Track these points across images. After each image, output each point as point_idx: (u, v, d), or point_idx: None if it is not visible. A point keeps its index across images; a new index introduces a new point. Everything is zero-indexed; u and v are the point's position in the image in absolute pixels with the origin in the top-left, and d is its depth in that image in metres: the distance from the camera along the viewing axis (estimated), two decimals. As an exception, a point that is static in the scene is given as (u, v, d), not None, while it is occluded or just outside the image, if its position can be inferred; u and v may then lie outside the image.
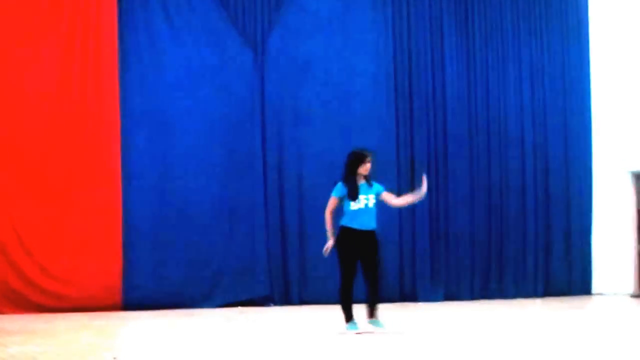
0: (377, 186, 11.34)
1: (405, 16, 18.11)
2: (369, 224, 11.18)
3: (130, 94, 16.27)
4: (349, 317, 11.16)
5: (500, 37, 18.80)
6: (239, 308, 16.06)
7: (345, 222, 11.18)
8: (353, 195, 11.11)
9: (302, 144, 17.21)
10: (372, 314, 11.14)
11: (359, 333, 10.93)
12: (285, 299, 16.94)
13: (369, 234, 11.19)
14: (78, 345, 10.40)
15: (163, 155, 16.48)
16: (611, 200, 19.06)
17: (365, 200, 11.14)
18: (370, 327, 11.07)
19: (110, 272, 15.81)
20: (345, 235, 11.15)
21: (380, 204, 11.41)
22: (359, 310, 11.22)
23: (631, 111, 18.64)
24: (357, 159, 11.23)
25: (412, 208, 17.66)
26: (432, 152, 18.10)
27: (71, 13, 16.03)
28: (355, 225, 11.12)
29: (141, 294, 15.92)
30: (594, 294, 18.88)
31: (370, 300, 11.19)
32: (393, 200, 11.64)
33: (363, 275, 11.17)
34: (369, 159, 11.22)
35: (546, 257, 18.78)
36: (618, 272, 18.78)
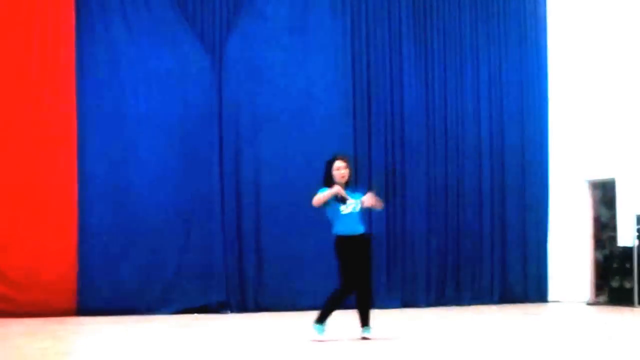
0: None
1: (364, 23, 18.15)
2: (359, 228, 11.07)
3: (87, 97, 16.15)
4: (324, 320, 10.94)
5: (458, 44, 18.87)
6: (195, 315, 15.96)
7: (338, 230, 11.01)
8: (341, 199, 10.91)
9: (260, 150, 17.16)
10: (367, 321, 11.05)
11: (319, 340, 10.78)
12: (242, 306, 16.85)
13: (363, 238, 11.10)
14: (31, 350, 10.30)
15: (119, 159, 16.36)
16: (568, 208, 19.15)
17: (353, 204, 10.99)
18: (365, 334, 10.99)
19: (65, 276, 15.65)
20: (342, 242, 10.99)
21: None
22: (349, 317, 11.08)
23: (588, 120, 18.74)
24: (327, 163, 11.08)
25: (368, 215, 17.70)
26: (390, 159, 18.11)
27: (28, 14, 15.89)
28: (348, 231, 10.98)
29: (96, 299, 15.77)
30: (550, 302, 18.95)
31: (366, 307, 11.08)
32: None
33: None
34: (338, 163, 11.01)
35: (502, 265, 18.86)
36: (574, 280, 18.87)
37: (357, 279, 10.89)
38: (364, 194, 11.23)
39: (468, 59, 18.94)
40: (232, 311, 16.61)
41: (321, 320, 10.91)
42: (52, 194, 15.76)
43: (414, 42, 18.48)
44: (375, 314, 15.81)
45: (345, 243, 10.94)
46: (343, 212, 10.95)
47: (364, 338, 10.95)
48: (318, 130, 17.25)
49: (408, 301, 17.89)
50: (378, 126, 18.06)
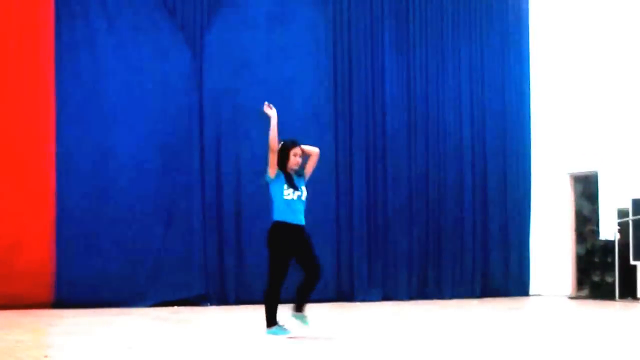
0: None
1: (345, 15, 18.10)
2: (301, 217, 10.63)
3: (66, 87, 15.97)
4: (274, 321, 10.59)
5: (440, 37, 18.86)
6: (174, 307, 15.85)
7: (278, 216, 10.61)
8: (292, 183, 10.56)
9: (240, 142, 17.04)
10: (301, 307, 10.62)
11: (291, 337, 10.56)
12: (222, 298, 16.75)
13: (302, 229, 10.63)
14: (7, 343, 10.16)
15: (99, 150, 16.20)
16: (549, 202, 19.18)
17: (299, 192, 10.63)
18: (295, 322, 10.59)
19: (42, 268, 15.48)
20: (278, 230, 10.61)
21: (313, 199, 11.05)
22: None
23: (570, 113, 18.76)
24: (286, 147, 10.68)
25: (349, 207, 17.66)
26: (371, 151, 18.07)
27: (7, 4, 15.70)
28: (290, 219, 10.56)
29: (74, 291, 15.61)
30: (532, 295, 18.96)
31: (306, 294, 10.62)
32: (309, 161, 10.87)
33: (304, 269, 10.54)
34: (296, 149, 10.65)
35: (484, 258, 18.85)
36: (556, 273, 18.90)
37: (286, 271, 10.50)
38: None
39: (450, 51, 18.92)
40: (211, 304, 16.52)
41: (270, 323, 10.56)
42: (30, 184, 15.59)
43: (395, 32, 18.45)
44: (357, 307, 15.79)
45: (281, 231, 10.56)
46: (285, 198, 10.56)
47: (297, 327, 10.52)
48: (299, 122, 17.09)
49: (389, 294, 17.85)
50: (359, 116, 18.01)
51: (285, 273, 10.56)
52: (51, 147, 15.76)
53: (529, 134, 19.43)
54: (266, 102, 10.85)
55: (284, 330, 10.55)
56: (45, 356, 8.96)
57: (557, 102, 19.08)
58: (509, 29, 19.55)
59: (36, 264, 15.43)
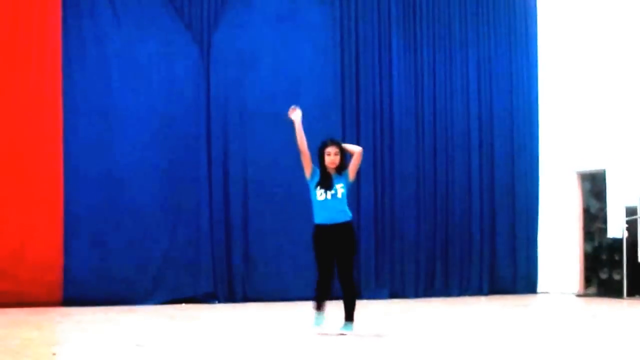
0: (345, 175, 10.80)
1: (353, 13, 18.08)
2: (336, 216, 10.60)
3: (74, 86, 15.97)
4: (319, 306, 10.63)
5: (448, 34, 18.83)
6: (182, 305, 15.87)
7: (315, 218, 10.65)
8: (325, 183, 10.59)
9: (248, 140, 17.05)
10: (349, 316, 10.63)
11: (321, 333, 10.53)
12: (229, 296, 16.76)
13: (339, 227, 10.61)
14: (16, 340, 10.18)
15: (106, 150, 16.20)
16: (558, 200, 19.15)
17: (333, 191, 10.62)
18: (343, 331, 10.54)
19: (50, 267, 15.49)
20: (315, 232, 10.66)
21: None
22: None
23: (578, 111, 18.73)
24: (320, 147, 10.75)
25: (356, 205, 17.63)
26: (379, 150, 18.05)
27: (14, 3, 15.72)
28: (323, 220, 10.59)
29: (82, 289, 15.62)
30: (539, 293, 18.94)
31: (347, 301, 10.67)
32: (352, 160, 10.88)
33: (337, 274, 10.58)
34: (329, 149, 10.65)
35: (492, 256, 18.83)
36: (563, 271, 18.87)
37: (329, 272, 10.55)
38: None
39: (457, 50, 18.89)
40: (219, 301, 16.53)
41: (318, 308, 10.65)
42: (38, 184, 15.59)
43: (403, 31, 18.42)
44: (364, 305, 15.77)
45: (316, 232, 10.64)
46: (318, 199, 10.62)
47: (341, 334, 10.47)
48: (306, 120, 17.03)
49: (396, 292, 17.84)
50: (367, 115, 18.00)
51: (327, 272, 10.60)
52: (59, 146, 15.75)
53: (537, 131, 19.41)
54: (292, 106, 10.86)
55: (320, 320, 10.61)
56: (54, 354, 8.99)
57: (565, 100, 19.06)
58: (517, 27, 19.52)
59: (45, 263, 15.44)
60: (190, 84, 16.85)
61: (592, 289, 18.47)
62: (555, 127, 19.19)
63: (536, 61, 19.59)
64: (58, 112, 15.78)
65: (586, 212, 18.96)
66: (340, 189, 10.63)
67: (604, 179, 18.19)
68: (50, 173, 15.71)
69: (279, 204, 16.88)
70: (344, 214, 10.63)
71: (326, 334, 10.43)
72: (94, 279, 15.79)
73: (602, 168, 18.20)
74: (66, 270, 15.67)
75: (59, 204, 15.73)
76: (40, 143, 15.67)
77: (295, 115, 10.83)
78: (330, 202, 10.58)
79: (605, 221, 18.13)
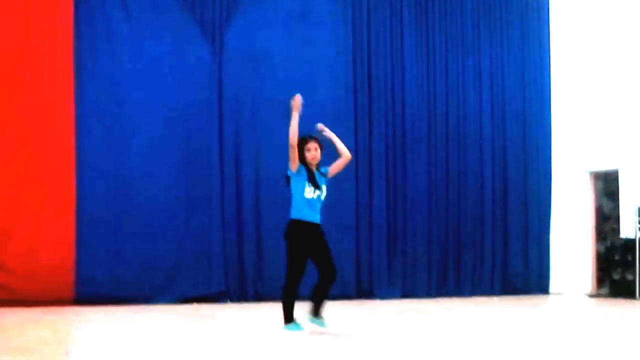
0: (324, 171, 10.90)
1: (365, 12, 18.05)
2: (318, 216, 10.72)
3: (86, 84, 15.96)
4: (291, 318, 10.66)
5: (460, 35, 18.80)
6: (194, 304, 15.87)
7: (296, 213, 10.69)
8: (314, 181, 10.63)
9: (260, 137, 17.03)
10: (318, 311, 10.74)
11: (311, 333, 10.58)
12: (241, 295, 16.76)
13: (319, 227, 10.73)
14: (28, 339, 10.21)
15: (118, 147, 16.21)
16: (570, 200, 19.11)
17: (320, 192, 10.72)
18: (312, 326, 10.66)
19: (63, 266, 15.50)
20: (296, 228, 10.70)
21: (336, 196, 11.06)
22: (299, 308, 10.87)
23: (590, 111, 18.69)
24: (300, 141, 10.73)
25: (369, 205, 17.63)
26: (390, 149, 18.03)
27: (26, 2, 15.74)
28: (308, 217, 10.65)
29: (95, 288, 15.63)
30: (552, 293, 18.90)
31: (321, 296, 10.75)
32: (338, 161, 11.03)
33: (320, 270, 10.69)
34: (309, 144, 10.70)
35: (504, 256, 18.79)
36: (576, 271, 18.83)
37: (303, 270, 10.61)
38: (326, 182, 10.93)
39: (470, 50, 18.86)
40: (231, 300, 16.53)
41: (287, 320, 10.62)
42: (50, 182, 15.60)
43: (415, 30, 18.40)
44: (376, 305, 15.77)
45: (299, 229, 10.65)
46: (306, 196, 10.63)
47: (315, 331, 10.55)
48: (318, 117, 16.99)
49: (408, 292, 17.81)
50: (379, 114, 17.97)
51: (302, 271, 10.63)
52: (71, 147, 15.73)
53: (550, 131, 19.36)
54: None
55: (300, 327, 10.60)
56: (67, 353, 9.00)
57: (578, 99, 19.01)
58: (530, 27, 19.48)
59: (57, 261, 15.45)
60: (203, 81, 16.83)
61: (605, 290, 18.43)
62: (568, 127, 19.15)
63: (548, 61, 19.54)
64: (70, 109, 15.77)
65: (599, 212, 18.91)
66: (324, 190, 10.73)
67: (617, 179, 18.14)
68: (63, 170, 15.70)
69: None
70: (321, 217, 10.73)
71: (339, 334, 10.47)
72: (106, 278, 15.79)
73: (615, 168, 18.15)
74: (79, 269, 15.66)
75: (71, 203, 15.72)
76: (52, 141, 15.66)
77: (298, 101, 10.75)
78: (315, 202, 10.68)
79: (618, 221, 18.08)
